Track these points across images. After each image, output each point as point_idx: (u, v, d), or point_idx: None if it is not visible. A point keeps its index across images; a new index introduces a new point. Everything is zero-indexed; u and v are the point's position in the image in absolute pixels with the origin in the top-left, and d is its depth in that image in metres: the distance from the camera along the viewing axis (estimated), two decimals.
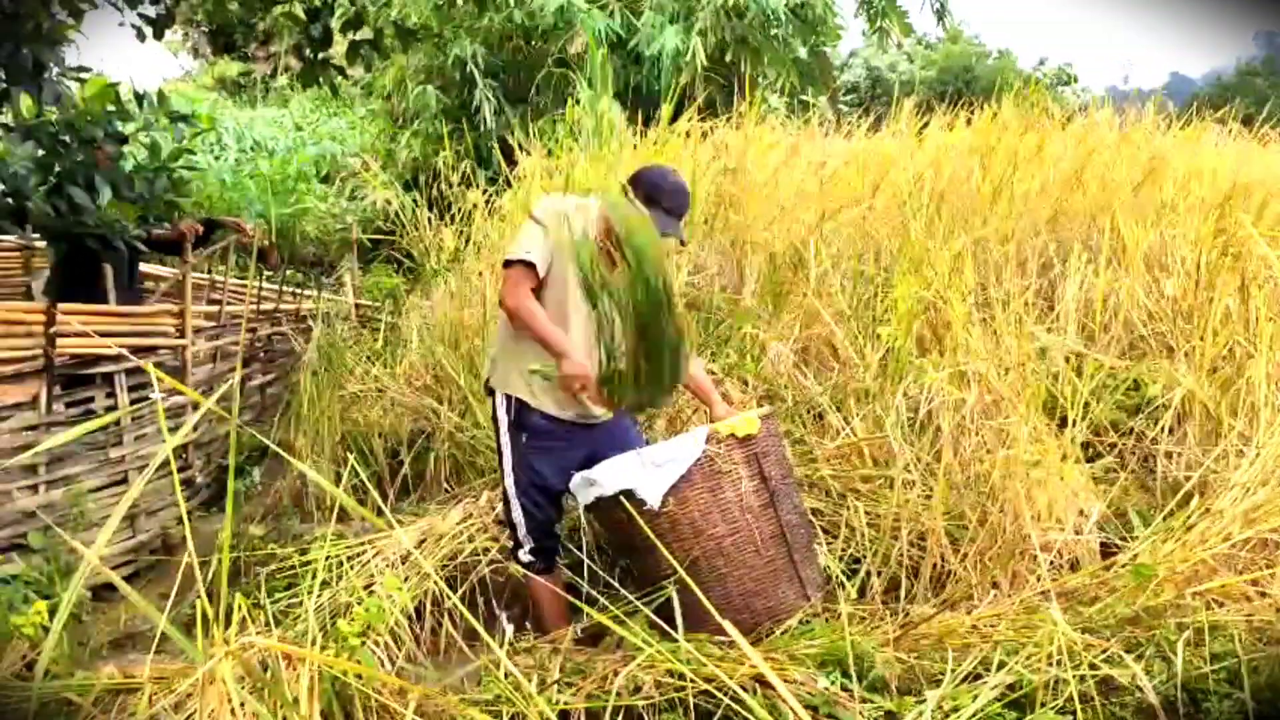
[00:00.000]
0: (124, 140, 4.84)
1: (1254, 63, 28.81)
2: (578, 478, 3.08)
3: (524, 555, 3.39)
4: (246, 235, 6.02)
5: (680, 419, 4.32)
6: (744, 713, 2.06)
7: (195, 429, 5.31)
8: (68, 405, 4.34)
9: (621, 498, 2.98)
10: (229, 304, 6.09)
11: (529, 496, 3.33)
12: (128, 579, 4.47)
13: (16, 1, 3.90)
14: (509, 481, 3.37)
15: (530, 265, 3.15)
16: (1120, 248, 5.19)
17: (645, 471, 2.96)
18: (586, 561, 3.51)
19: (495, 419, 3.41)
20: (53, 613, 2.62)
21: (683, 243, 3.67)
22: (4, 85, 4.05)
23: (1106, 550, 3.45)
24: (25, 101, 4.13)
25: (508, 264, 3.19)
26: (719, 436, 3.03)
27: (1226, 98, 11.24)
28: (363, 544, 3.82)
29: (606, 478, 3.00)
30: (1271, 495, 3.23)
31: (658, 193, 3.27)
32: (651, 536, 2.76)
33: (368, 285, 9.04)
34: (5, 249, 7.30)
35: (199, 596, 1.91)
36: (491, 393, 3.41)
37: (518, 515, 3.37)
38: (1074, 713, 2.31)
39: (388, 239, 8.62)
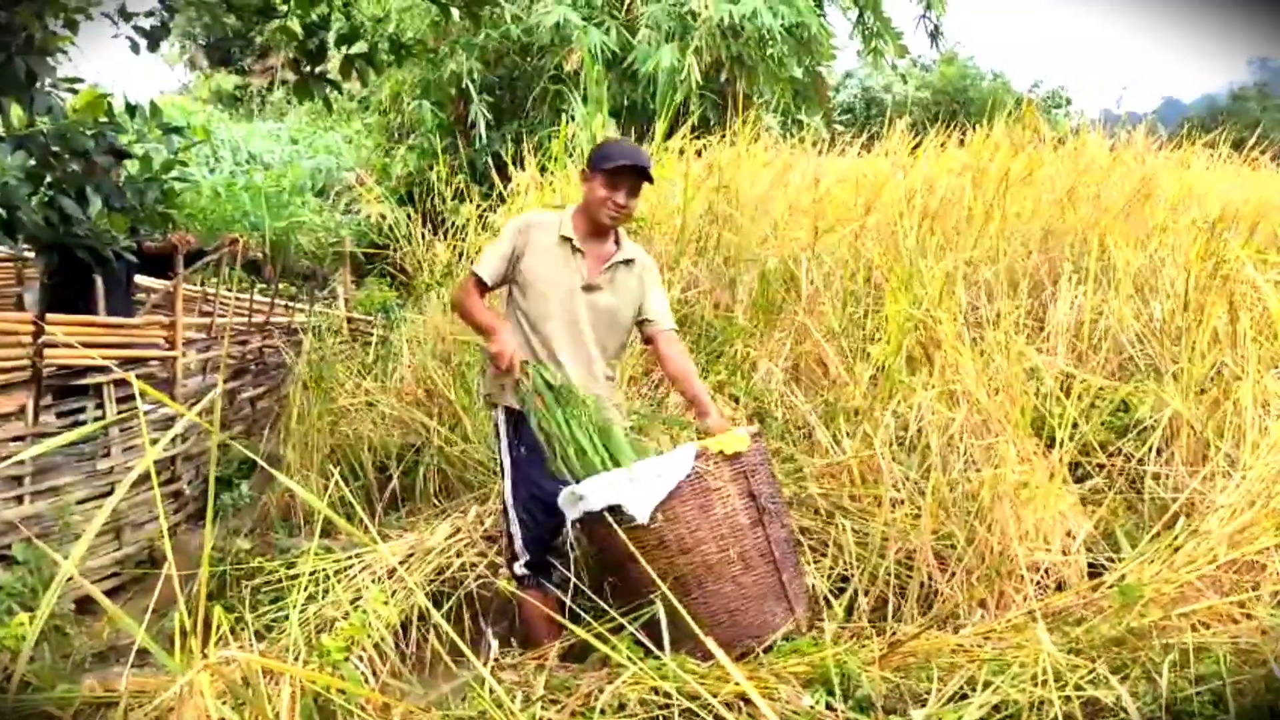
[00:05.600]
0: (125, 155, 4.83)
1: (1247, 88, 29.04)
2: (565, 492, 3.08)
3: (518, 569, 3.40)
4: (244, 251, 6.03)
5: (675, 438, 4.30)
6: None
7: (184, 441, 5.30)
8: (57, 416, 4.33)
9: (609, 513, 2.96)
10: (221, 316, 6.08)
11: (526, 508, 3.36)
12: (113, 592, 4.46)
13: (9, 12, 3.89)
14: (508, 495, 3.40)
15: (481, 278, 3.42)
16: (1110, 269, 5.21)
17: (634, 487, 2.95)
18: (573, 579, 3.50)
19: (496, 432, 3.48)
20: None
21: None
22: None
23: (1093, 571, 3.44)
24: (15, 112, 4.13)
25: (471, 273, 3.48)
26: (709, 454, 3.03)
27: (1218, 121, 11.30)
28: (350, 558, 3.81)
29: (594, 493, 2.99)
30: (1257, 517, 3.22)
31: (594, 155, 3.43)
32: (638, 553, 2.75)
33: (361, 299, 9.04)
34: None
35: (179, 610, 1.90)
36: (492, 406, 3.46)
37: (515, 527, 3.39)
38: None
39: (382, 253, 8.64)
